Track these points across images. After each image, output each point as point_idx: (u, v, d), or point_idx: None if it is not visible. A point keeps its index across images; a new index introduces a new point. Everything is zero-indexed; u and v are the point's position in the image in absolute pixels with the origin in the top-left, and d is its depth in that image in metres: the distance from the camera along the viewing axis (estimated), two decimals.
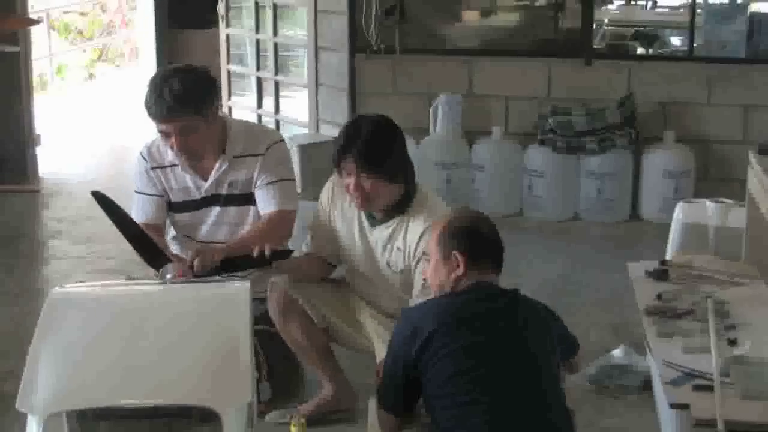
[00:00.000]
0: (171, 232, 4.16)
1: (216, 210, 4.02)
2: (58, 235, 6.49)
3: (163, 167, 4.02)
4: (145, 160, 4.04)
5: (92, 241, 6.24)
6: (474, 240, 3.09)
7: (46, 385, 2.55)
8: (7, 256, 6.05)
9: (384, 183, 3.59)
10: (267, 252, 3.55)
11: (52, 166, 7.91)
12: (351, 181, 3.59)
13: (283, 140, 4.13)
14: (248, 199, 3.99)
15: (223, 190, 4.00)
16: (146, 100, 3.81)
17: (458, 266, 3.04)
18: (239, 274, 3.54)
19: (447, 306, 3.02)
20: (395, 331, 3.04)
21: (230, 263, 3.56)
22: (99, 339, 2.70)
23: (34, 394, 2.52)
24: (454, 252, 3.05)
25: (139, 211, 3.98)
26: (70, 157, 8.35)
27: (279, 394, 4.03)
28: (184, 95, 3.76)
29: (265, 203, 3.94)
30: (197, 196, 4.02)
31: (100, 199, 3.56)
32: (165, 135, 3.85)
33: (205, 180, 4.00)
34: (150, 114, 3.81)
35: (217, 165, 3.97)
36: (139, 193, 4.04)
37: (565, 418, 2.96)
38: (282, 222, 3.93)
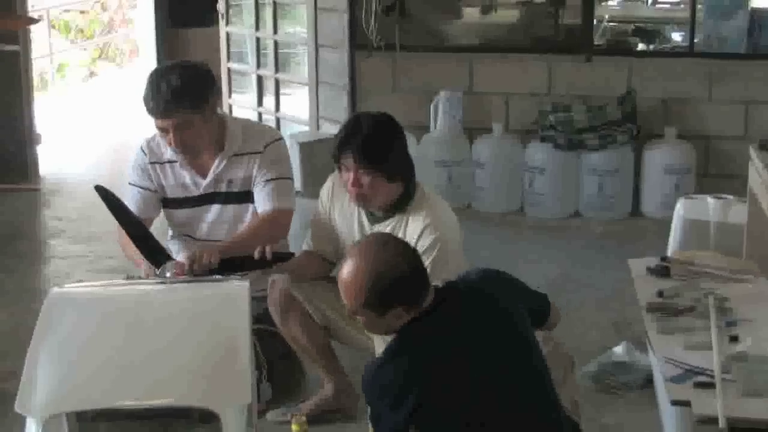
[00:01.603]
0: (169, 233, 4.15)
1: (215, 208, 4.02)
2: (58, 234, 6.49)
3: (161, 163, 4.03)
4: (145, 154, 4.05)
5: (93, 240, 6.24)
6: (405, 287, 2.81)
7: (45, 386, 2.54)
8: (8, 256, 6.04)
9: (383, 180, 3.57)
10: (268, 255, 3.54)
11: (53, 165, 7.91)
12: (350, 176, 3.58)
13: (281, 138, 4.13)
14: (247, 196, 3.99)
15: (222, 188, 4.00)
16: (144, 96, 3.82)
17: (402, 316, 2.82)
18: (239, 273, 3.53)
19: (418, 361, 2.80)
20: (369, 395, 2.86)
21: (230, 264, 3.55)
22: (98, 340, 2.70)
23: (32, 395, 2.52)
24: (391, 311, 2.81)
25: (130, 202, 3.97)
26: (70, 156, 8.35)
27: (280, 393, 4.03)
28: (181, 91, 3.77)
29: (262, 202, 3.94)
30: (195, 193, 4.02)
31: (103, 193, 3.57)
32: (162, 131, 3.86)
33: (204, 177, 4.00)
34: (147, 110, 3.82)
35: (216, 162, 3.97)
36: (133, 185, 4.04)
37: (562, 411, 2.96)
38: (279, 221, 3.93)
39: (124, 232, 3.65)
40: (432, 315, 2.85)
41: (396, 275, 2.79)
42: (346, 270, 2.84)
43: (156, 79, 3.81)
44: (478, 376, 2.80)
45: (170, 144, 3.87)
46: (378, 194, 3.60)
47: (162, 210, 4.10)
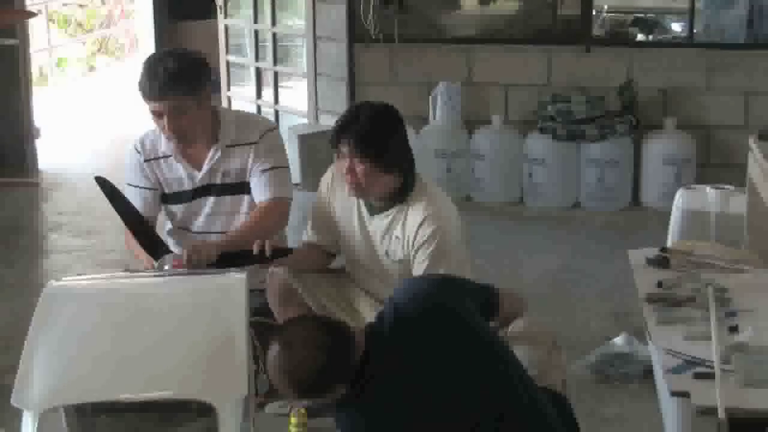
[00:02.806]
0: (167, 226, 4.14)
1: (210, 200, 4.00)
2: (58, 228, 6.50)
3: (156, 159, 4.01)
4: (139, 152, 4.02)
5: (92, 233, 6.25)
6: (327, 374, 2.73)
7: (41, 379, 2.54)
8: (8, 250, 6.05)
9: (378, 171, 3.55)
10: (267, 250, 3.53)
11: (52, 158, 7.91)
12: (345, 164, 3.58)
13: (276, 128, 4.11)
14: (242, 188, 3.97)
15: (217, 180, 3.98)
16: (140, 80, 3.80)
17: (343, 387, 2.79)
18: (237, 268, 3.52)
19: (375, 416, 2.80)
20: None
21: (229, 259, 3.54)
22: (94, 332, 2.70)
23: (28, 389, 2.52)
24: (328, 394, 2.79)
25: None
26: (70, 149, 8.35)
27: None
28: (178, 75, 3.76)
29: (260, 192, 3.93)
30: (191, 186, 4.00)
31: (103, 184, 3.56)
32: (156, 115, 3.84)
33: (199, 170, 3.98)
34: (143, 93, 3.80)
35: (210, 154, 3.95)
36: (131, 185, 4.02)
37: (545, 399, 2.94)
38: (278, 210, 3.91)
39: (130, 236, 3.65)
40: (371, 364, 2.79)
41: (312, 371, 2.71)
42: (271, 374, 2.79)
43: (152, 64, 3.80)
44: (448, 391, 2.78)
45: (164, 130, 3.86)
46: (373, 184, 3.58)
47: (162, 206, 4.08)
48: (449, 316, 2.87)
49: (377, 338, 2.83)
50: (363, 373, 2.77)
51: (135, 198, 3.96)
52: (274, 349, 2.75)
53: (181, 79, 3.77)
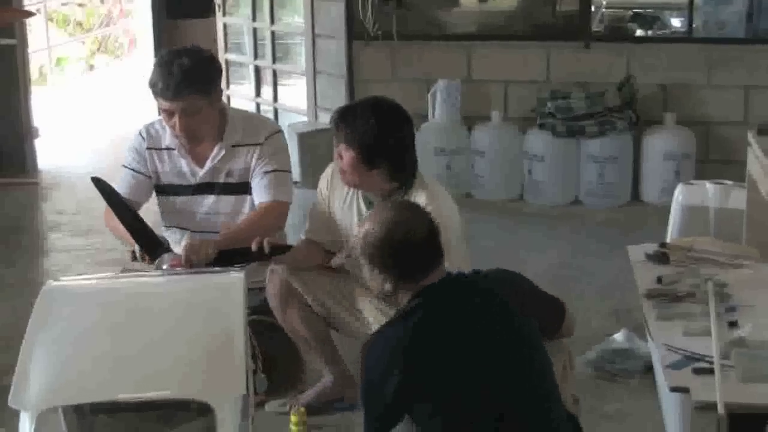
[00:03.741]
0: (164, 224, 4.13)
1: (211, 199, 4.00)
2: (57, 227, 6.50)
3: (158, 149, 4.01)
4: (143, 138, 4.03)
5: (92, 233, 6.24)
6: (400, 258, 2.84)
7: (39, 380, 2.53)
8: (8, 249, 6.04)
9: (362, 165, 3.54)
10: (266, 248, 3.53)
11: (52, 158, 7.91)
12: (336, 149, 3.60)
13: (281, 131, 4.12)
14: (245, 188, 3.98)
15: (220, 179, 3.98)
16: (152, 78, 3.79)
17: (396, 285, 2.86)
18: (236, 266, 3.51)
19: (407, 339, 2.77)
20: (365, 362, 2.86)
21: (227, 256, 3.53)
22: (91, 332, 2.69)
23: (26, 389, 2.51)
24: (385, 279, 2.87)
25: (121, 184, 3.96)
26: (69, 149, 8.35)
27: (279, 384, 4.02)
28: (193, 74, 3.76)
29: (260, 193, 3.93)
30: (192, 182, 4.00)
31: (100, 185, 3.56)
32: (168, 114, 3.84)
33: (201, 166, 3.98)
34: (156, 92, 3.79)
35: (214, 152, 3.96)
36: (127, 167, 4.03)
37: (565, 416, 2.92)
38: (275, 213, 3.91)
39: (112, 213, 3.66)
40: (436, 297, 2.84)
41: (380, 237, 2.84)
42: (370, 218, 2.94)
43: (167, 62, 3.80)
44: (471, 365, 2.76)
45: (174, 128, 3.86)
46: (357, 177, 3.57)
47: (157, 198, 4.08)
48: (508, 309, 2.89)
49: (456, 281, 2.90)
50: (420, 295, 2.82)
51: (126, 179, 3.98)
52: (392, 203, 3.00)
53: (196, 79, 3.78)
